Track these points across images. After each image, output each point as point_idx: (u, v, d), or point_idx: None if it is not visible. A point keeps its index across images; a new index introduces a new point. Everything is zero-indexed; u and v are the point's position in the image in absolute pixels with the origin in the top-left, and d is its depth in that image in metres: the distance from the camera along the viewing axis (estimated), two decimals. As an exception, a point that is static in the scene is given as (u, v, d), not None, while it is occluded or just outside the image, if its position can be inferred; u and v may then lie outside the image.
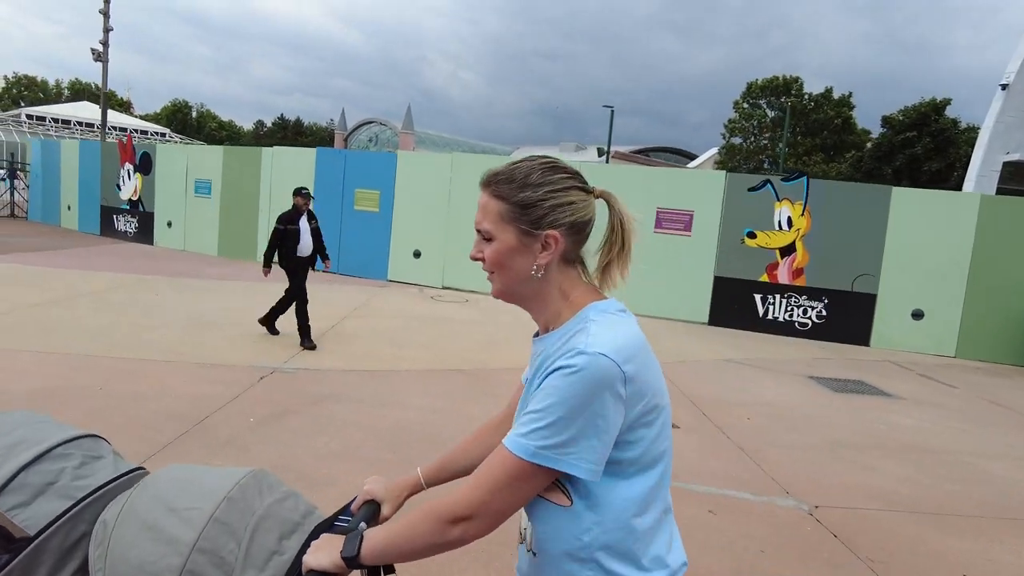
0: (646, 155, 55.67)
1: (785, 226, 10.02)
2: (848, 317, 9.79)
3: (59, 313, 7.33)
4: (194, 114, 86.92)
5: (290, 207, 7.09)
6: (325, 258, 7.30)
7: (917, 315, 9.57)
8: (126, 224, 15.52)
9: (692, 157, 61.81)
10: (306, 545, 1.14)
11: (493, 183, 1.15)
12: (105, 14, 19.71)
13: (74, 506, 1.18)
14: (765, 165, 42.23)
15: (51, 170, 17.89)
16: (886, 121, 34.14)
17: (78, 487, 1.20)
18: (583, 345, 1.02)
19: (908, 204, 9.61)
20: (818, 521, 3.70)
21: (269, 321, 7.09)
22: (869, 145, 38.06)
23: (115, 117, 66.51)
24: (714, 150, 55.31)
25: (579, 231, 1.15)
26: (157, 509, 1.12)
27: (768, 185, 10.07)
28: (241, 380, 5.39)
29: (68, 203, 17.37)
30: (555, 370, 1.02)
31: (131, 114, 76.17)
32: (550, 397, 1.01)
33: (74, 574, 1.17)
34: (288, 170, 12.93)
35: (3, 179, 23.83)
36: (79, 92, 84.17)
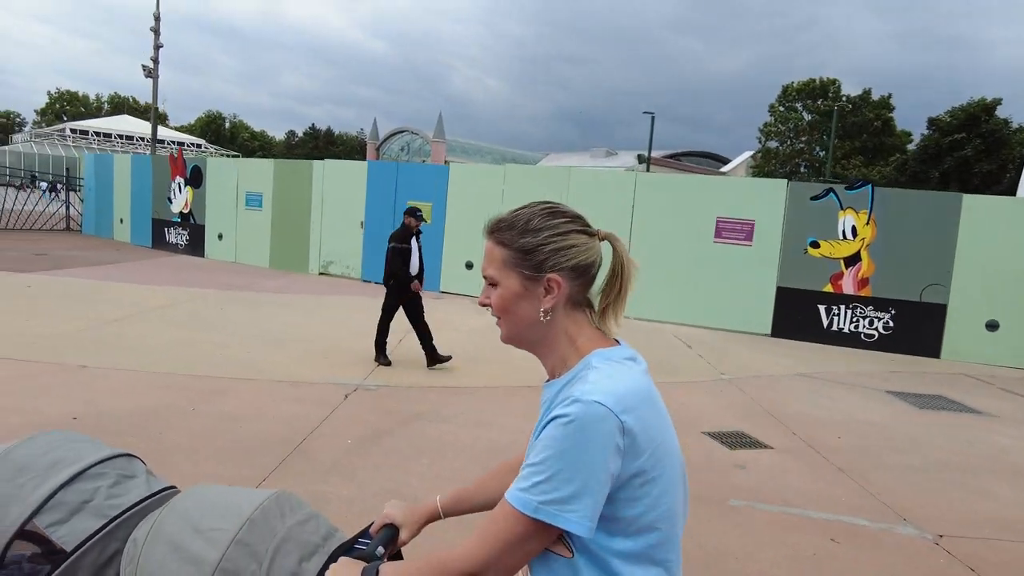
0: (677, 159, 55.23)
1: (850, 235, 9.78)
2: (917, 328, 9.51)
3: (133, 329, 7.44)
4: (227, 125, 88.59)
5: (399, 226, 6.94)
6: (422, 279, 7.01)
7: (992, 326, 9.26)
8: (177, 236, 15.80)
9: (724, 161, 61.17)
10: (325, 568, 1.15)
11: (496, 230, 1.17)
12: (156, 31, 20.18)
13: (107, 524, 1.22)
14: (802, 169, 41.63)
15: (104, 184, 18.31)
16: (932, 123, 33.39)
17: (112, 506, 1.25)
18: (579, 393, 1.01)
19: (980, 212, 9.31)
20: (948, 552, 3.55)
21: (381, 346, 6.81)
22: (911, 147, 37.25)
23: (147, 128, 68.08)
24: (747, 154, 54.70)
25: (583, 274, 1.15)
26: (184, 529, 1.15)
27: (831, 194, 9.85)
28: (327, 398, 5.39)
29: (120, 216, 17.74)
30: (552, 419, 1.01)
31: (167, 126, 77.89)
32: (547, 449, 0.99)
33: None
34: (339, 183, 13.04)
35: (44, 192, 24.50)
36: (118, 106, 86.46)
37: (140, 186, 16.84)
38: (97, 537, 1.22)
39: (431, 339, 6.69)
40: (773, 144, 42.84)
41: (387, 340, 6.79)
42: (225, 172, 14.84)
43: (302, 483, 3.76)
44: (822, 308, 9.92)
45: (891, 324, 9.65)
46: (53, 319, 7.66)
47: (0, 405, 4.77)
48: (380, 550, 1.22)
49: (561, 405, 1.01)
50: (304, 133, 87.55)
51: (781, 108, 42.40)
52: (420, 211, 7.05)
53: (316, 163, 13.69)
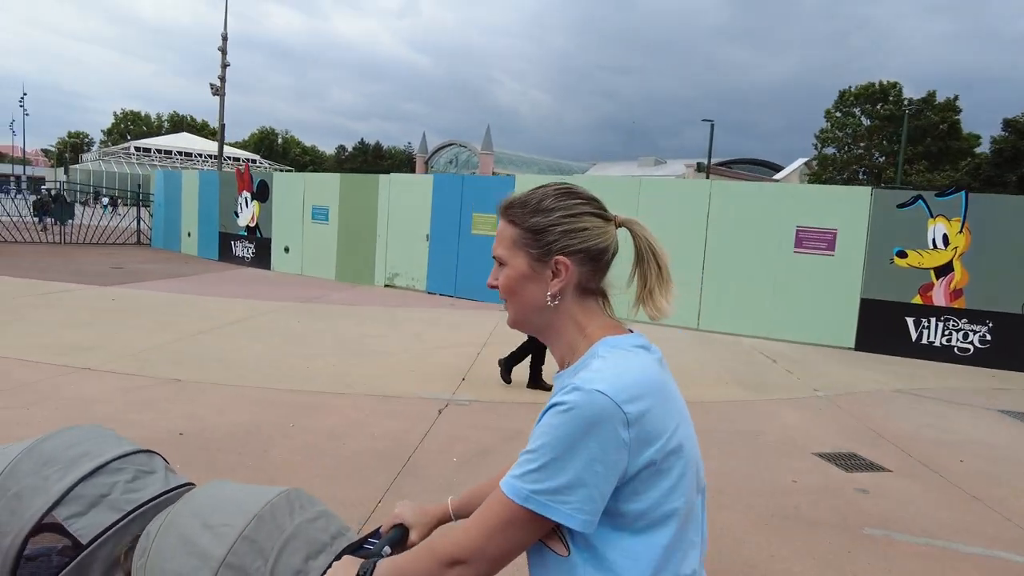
0: (728, 167, 54.26)
1: (940, 244, 9.31)
2: (1018, 342, 8.96)
3: (218, 342, 7.54)
4: (280, 140, 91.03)
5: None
6: None
7: (1103, 340, 8.65)
8: (244, 250, 16.14)
9: (776, 168, 59.87)
10: (330, 567, 1.14)
11: (508, 208, 1.13)
12: (223, 51, 20.86)
13: (123, 518, 1.25)
14: (860, 175, 40.35)
15: (172, 199, 18.89)
16: (1008, 124, 31.94)
17: (128, 500, 1.28)
18: (580, 380, 0.97)
19: (1087, 218, 8.74)
20: None
21: (508, 367, 6.55)
22: (982, 151, 35.69)
23: (208, 145, 70.51)
24: (801, 161, 53.38)
25: (594, 259, 1.10)
26: (194, 524, 1.16)
27: (920, 201, 9.40)
28: (423, 413, 5.32)
29: (188, 230, 18.26)
30: (550, 407, 0.98)
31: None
32: (543, 436, 0.95)
33: None
34: (405, 196, 13.12)
35: (106, 207, 25.45)
36: (177, 124, 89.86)
37: (207, 200, 17.31)
38: (112, 531, 1.24)
39: (542, 362, 6.48)
40: (830, 150, 41.66)
41: (520, 362, 6.47)
42: (292, 186, 15.11)
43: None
44: (910, 320, 9.45)
45: (988, 338, 9.12)
46: (140, 332, 7.82)
47: (110, 419, 4.83)
48: (387, 550, 1.21)
49: (561, 392, 0.97)
50: (353, 148, 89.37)
51: (838, 114, 41.23)
52: None
53: (382, 177, 13.81)
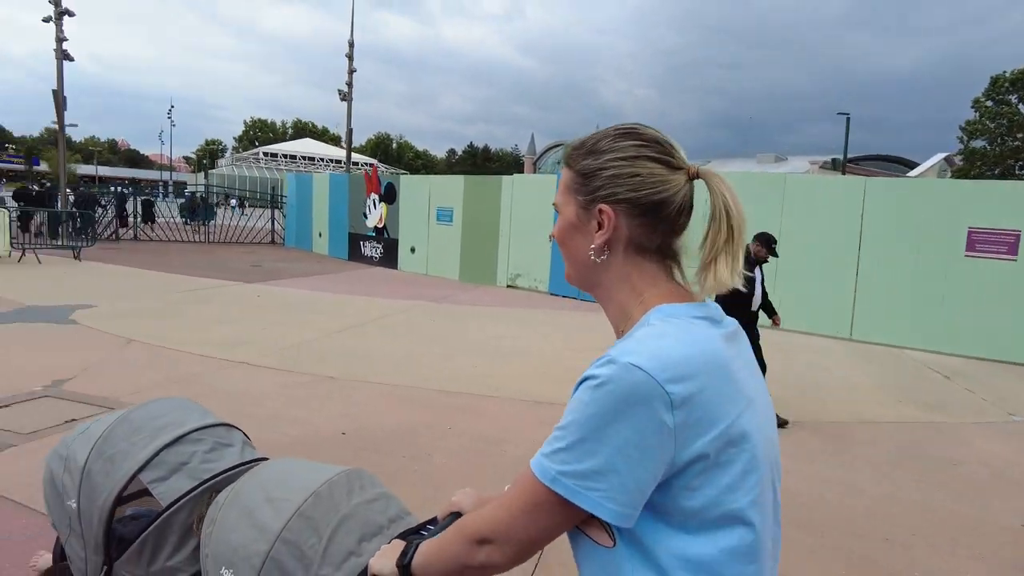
0: (857, 164, 50.66)
1: None
2: None
3: (361, 340, 7.69)
4: (394, 145, 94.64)
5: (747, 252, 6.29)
6: (773, 312, 6.05)
7: None
8: (372, 250, 16.67)
9: (911, 165, 55.33)
10: None
11: (569, 151, 1.04)
12: (350, 57, 21.82)
13: (198, 486, 1.31)
14: (1017, 170, 36.42)
15: (304, 201, 19.87)
16: None
17: (204, 470, 1.34)
18: (617, 352, 0.84)
19: None
20: None
21: None
22: None
23: (329, 150, 74.39)
24: (939, 157, 49.01)
25: (647, 212, 0.95)
26: (257, 497, 1.18)
27: None
28: (576, 423, 5.10)
29: (319, 230, 19.13)
30: (582, 380, 0.85)
31: (341, 147, 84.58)
32: (573, 413, 0.84)
33: (194, 551, 1.25)
34: (527, 196, 13.02)
35: (235, 208, 27.17)
36: (300, 130, 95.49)
37: (337, 202, 18.04)
38: (188, 497, 1.30)
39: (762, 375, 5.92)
40: (979, 143, 37.83)
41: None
42: (417, 188, 15.43)
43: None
44: (1114, 336, 8.20)
45: None
46: (286, 328, 8.13)
47: (275, 415, 4.96)
48: None
49: (595, 364, 0.85)
50: (463, 151, 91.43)
51: (989, 103, 37.34)
52: (775, 241, 5.78)
53: (505, 178, 13.80)
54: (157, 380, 5.68)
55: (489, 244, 13.69)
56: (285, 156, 70.96)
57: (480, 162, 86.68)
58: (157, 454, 1.36)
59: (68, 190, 20.61)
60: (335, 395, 5.53)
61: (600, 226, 0.96)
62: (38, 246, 14.22)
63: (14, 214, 14.97)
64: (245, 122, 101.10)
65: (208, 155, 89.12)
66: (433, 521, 1.24)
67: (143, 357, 6.47)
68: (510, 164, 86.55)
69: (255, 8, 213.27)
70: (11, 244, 13.65)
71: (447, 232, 14.51)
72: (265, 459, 1.44)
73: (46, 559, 1.55)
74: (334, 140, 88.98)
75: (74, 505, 1.37)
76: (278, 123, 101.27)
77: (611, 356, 0.84)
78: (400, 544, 1.07)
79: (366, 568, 1.08)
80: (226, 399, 5.25)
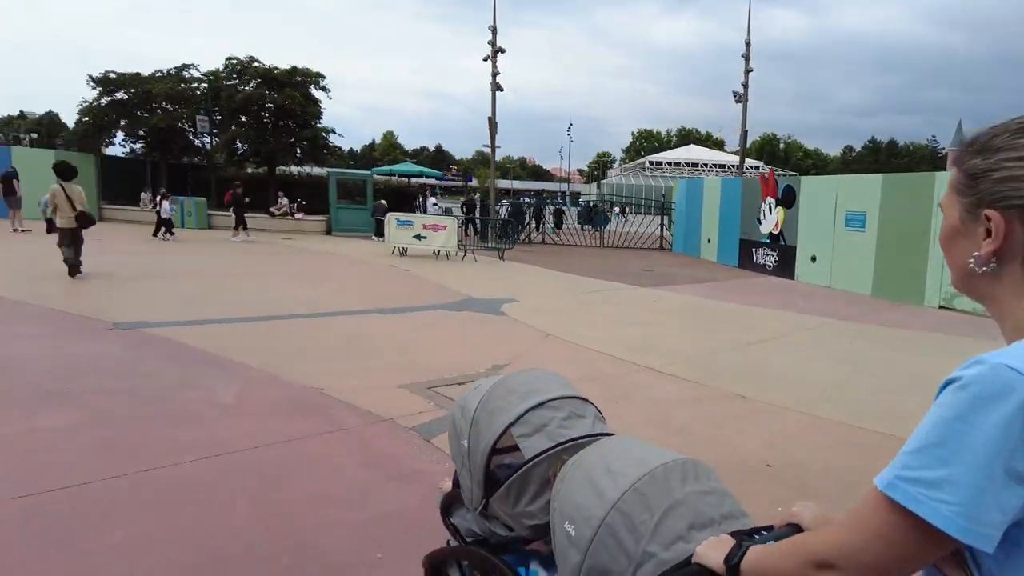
0: None
1: None
2: None
3: (766, 356, 7.11)
4: (781, 145, 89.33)
5: None
6: None
7: None
8: (765, 257, 15.71)
9: None
10: None
11: (960, 147, 0.92)
12: (746, 57, 21.13)
13: (553, 447, 1.51)
14: None
15: (693, 206, 19.83)
16: None
17: (559, 434, 1.54)
18: (989, 354, 0.76)
19: None
20: None
21: None
22: None
23: (712, 155, 73.75)
24: None
25: None
26: (599, 466, 1.28)
27: None
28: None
29: (708, 236, 18.87)
30: (946, 383, 0.78)
31: (725, 151, 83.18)
32: (929, 416, 0.78)
33: (548, 503, 1.39)
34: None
35: (617, 215, 28.38)
36: (684, 137, 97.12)
37: (728, 208, 17.50)
38: (545, 455, 1.50)
39: None
40: None
41: None
42: (821, 191, 13.97)
43: None
44: None
45: None
46: (685, 335, 8.04)
47: (689, 430, 4.81)
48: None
49: (963, 365, 0.76)
50: (862, 147, 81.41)
51: None
52: None
53: (939, 175, 11.53)
54: (573, 378, 6.04)
55: (914, 255, 11.57)
56: (669, 164, 72.83)
57: (884, 159, 75.92)
58: (524, 414, 1.56)
59: (504, 201, 24.46)
60: (752, 418, 5.13)
61: (988, 233, 0.85)
62: (475, 247, 17.06)
63: (460, 220, 18.28)
64: (632, 133, 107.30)
65: (600, 167, 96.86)
66: (768, 528, 1.19)
67: (561, 353, 7.03)
68: (923, 159, 73.92)
69: (642, 26, 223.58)
70: (458, 245, 16.62)
71: (858, 239, 12.76)
72: (611, 434, 1.56)
73: (447, 484, 1.85)
74: (717, 145, 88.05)
75: (466, 445, 1.64)
76: (663, 132, 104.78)
77: (981, 357, 0.76)
78: (729, 540, 1.04)
79: (691, 555, 1.08)
80: (642, 406, 5.29)
